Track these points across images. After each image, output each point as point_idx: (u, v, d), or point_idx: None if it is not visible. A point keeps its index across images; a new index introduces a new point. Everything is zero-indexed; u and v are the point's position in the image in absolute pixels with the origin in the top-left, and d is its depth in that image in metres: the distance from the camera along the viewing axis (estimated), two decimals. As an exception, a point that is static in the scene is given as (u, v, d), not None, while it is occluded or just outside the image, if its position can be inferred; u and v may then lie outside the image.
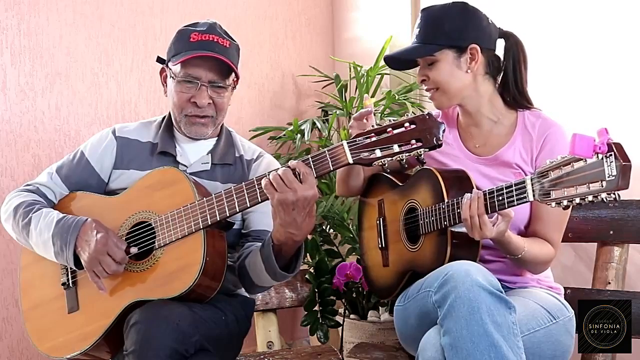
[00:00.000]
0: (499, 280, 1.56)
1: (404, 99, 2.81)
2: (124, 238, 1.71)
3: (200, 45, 1.75)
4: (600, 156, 1.25)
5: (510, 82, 1.80)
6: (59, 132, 2.56)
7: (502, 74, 1.82)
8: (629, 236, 1.91)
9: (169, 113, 1.89)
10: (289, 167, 1.51)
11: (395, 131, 1.47)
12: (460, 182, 1.72)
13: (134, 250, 1.68)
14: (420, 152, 1.45)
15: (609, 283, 1.91)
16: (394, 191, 1.91)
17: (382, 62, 2.89)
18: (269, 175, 1.53)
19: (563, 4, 2.39)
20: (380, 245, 1.94)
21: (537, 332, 1.61)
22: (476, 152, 1.84)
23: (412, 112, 2.82)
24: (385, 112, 2.84)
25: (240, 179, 1.83)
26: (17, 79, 2.46)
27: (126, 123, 1.95)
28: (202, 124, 1.81)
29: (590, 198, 1.29)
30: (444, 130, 1.45)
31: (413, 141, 1.45)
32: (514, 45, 1.80)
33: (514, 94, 1.81)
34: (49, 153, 2.53)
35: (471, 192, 1.60)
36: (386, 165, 1.48)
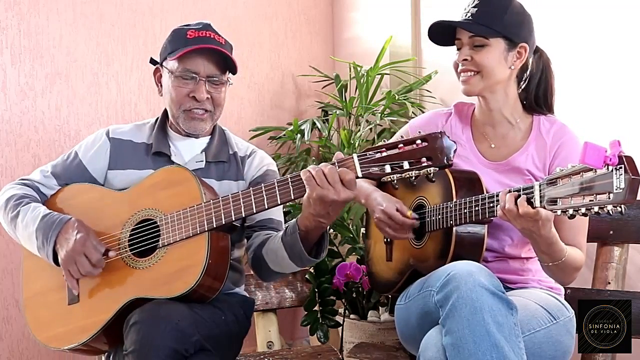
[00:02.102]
0: (500, 280, 1.56)
1: (404, 99, 2.81)
2: (128, 234, 1.73)
3: (198, 41, 1.77)
4: (610, 168, 1.24)
5: (532, 92, 1.81)
6: (59, 132, 2.56)
7: (525, 83, 1.81)
8: (629, 236, 1.91)
9: (162, 113, 1.91)
10: (334, 166, 1.49)
11: (407, 147, 1.45)
12: (470, 183, 1.72)
13: (112, 254, 1.70)
14: (429, 170, 1.43)
15: (609, 283, 1.91)
16: (404, 186, 1.90)
17: (382, 62, 2.90)
18: (310, 169, 1.51)
19: (577, 11, 2.39)
20: (385, 239, 1.95)
21: (537, 333, 1.61)
22: (488, 156, 1.83)
23: (412, 112, 2.82)
24: (385, 112, 2.84)
25: (235, 176, 1.86)
26: (17, 79, 2.46)
27: (120, 124, 1.96)
28: (200, 119, 1.82)
29: (596, 209, 1.29)
30: (455, 150, 1.43)
31: (424, 159, 1.43)
32: (546, 63, 1.82)
33: (531, 101, 1.81)
34: (49, 153, 2.53)
35: (481, 194, 1.61)
36: (395, 182, 1.46)
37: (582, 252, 1.70)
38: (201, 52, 1.76)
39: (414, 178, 1.45)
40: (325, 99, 3.20)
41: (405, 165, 1.44)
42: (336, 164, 1.50)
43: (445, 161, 1.42)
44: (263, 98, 3.16)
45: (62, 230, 1.71)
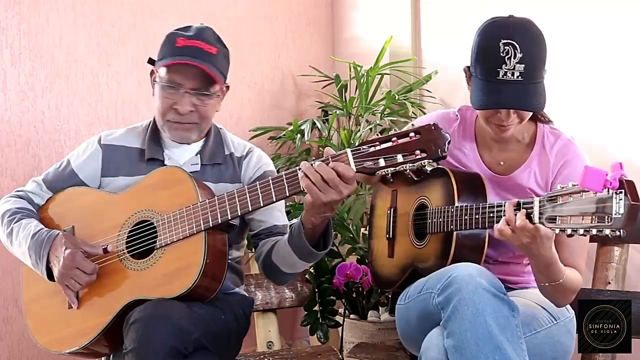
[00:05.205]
0: (501, 280, 1.56)
1: (404, 99, 2.81)
2: (125, 236, 1.73)
3: (185, 51, 1.72)
4: (610, 191, 1.22)
5: None
6: (59, 132, 2.56)
7: None
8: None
9: (154, 117, 1.87)
10: (333, 169, 1.46)
11: (400, 141, 1.43)
12: (473, 188, 1.70)
13: (110, 247, 1.71)
14: (424, 163, 1.41)
15: (609, 283, 1.91)
16: (408, 184, 1.89)
17: (382, 62, 2.90)
18: (309, 176, 1.47)
19: (573, 14, 2.38)
20: (387, 236, 1.95)
21: (538, 333, 1.61)
22: (492, 168, 1.79)
23: (412, 112, 2.82)
24: (385, 112, 2.84)
25: (232, 178, 1.85)
26: (17, 79, 2.46)
27: (113, 130, 1.94)
28: (185, 129, 1.79)
29: (594, 232, 1.26)
30: (449, 142, 1.41)
31: (417, 152, 1.41)
32: None
33: None
34: (49, 153, 2.53)
35: (482, 203, 1.58)
36: (389, 175, 1.45)
37: (580, 275, 1.65)
38: (185, 64, 1.72)
39: (408, 171, 1.43)
40: (325, 99, 3.20)
41: (399, 158, 1.43)
42: (330, 160, 1.48)
43: (439, 153, 1.41)
44: (263, 98, 3.16)
45: (51, 248, 1.71)
